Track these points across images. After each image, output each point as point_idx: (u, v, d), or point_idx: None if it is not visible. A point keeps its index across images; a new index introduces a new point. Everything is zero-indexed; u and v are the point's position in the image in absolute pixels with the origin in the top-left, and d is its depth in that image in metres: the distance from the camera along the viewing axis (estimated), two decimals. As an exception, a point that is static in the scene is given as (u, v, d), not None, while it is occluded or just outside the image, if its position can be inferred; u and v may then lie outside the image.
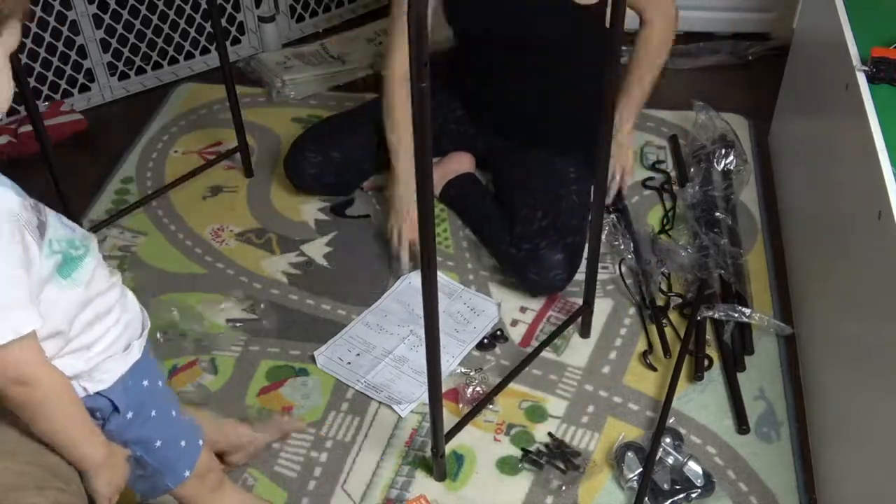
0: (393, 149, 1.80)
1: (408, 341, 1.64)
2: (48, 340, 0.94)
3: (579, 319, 1.63)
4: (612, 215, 1.85)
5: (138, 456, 1.09)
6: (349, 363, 1.60)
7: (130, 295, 1.08)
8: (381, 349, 1.63)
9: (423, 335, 1.47)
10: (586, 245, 1.73)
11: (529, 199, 1.74)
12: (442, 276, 1.75)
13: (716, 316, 1.61)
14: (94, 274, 0.99)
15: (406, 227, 1.76)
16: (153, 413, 1.08)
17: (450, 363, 1.58)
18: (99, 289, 1.00)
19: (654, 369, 1.59)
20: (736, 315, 1.60)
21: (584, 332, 1.64)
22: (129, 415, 1.05)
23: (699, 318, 1.63)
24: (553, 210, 1.71)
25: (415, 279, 1.74)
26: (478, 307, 1.72)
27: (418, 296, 1.50)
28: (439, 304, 1.58)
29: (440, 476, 1.41)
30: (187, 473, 1.14)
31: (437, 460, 1.38)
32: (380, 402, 1.53)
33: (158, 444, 1.09)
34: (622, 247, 1.79)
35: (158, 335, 1.61)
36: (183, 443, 1.13)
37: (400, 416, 1.51)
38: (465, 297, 1.74)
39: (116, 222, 1.93)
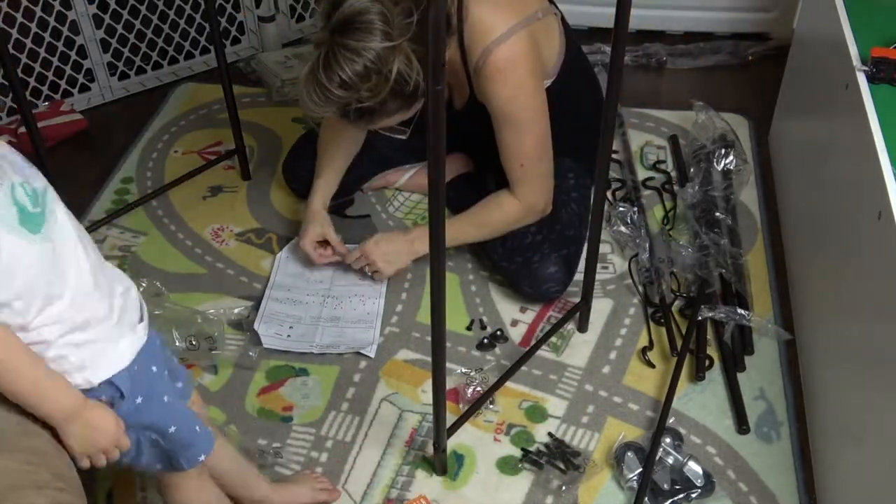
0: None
1: (328, 304, 1.71)
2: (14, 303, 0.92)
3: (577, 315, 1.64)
4: (633, 209, 1.85)
5: (154, 439, 1.08)
6: (289, 336, 1.64)
7: (123, 281, 1.07)
8: (308, 317, 1.69)
9: (337, 294, 1.73)
10: (583, 250, 1.74)
11: None
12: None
13: (716, 317, 1.61)
14: (63, 232, 0.97)
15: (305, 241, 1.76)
16: (166, 398, 1.08)
17: (376, 303, 1.71)
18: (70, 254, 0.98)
19: (653, 366, 1.59)
20: (736, 317, 1.60)
21: (582, 327, 1.65)
22: (139, 400, 1.04)
23: (700, 318, 1.63)
24: (549, 221, 1.70)
25: (285, 252, 1.83)
26: None
27: (306, 266, 1.81)
28: (327, 268, 1.79)
29: (441, 471, 1.41)
30: (202, 458, 1.13)
31: (438, 455, 1.38)
32: (345, 353, 1.62)
33: (173, 429, 1.09)
34: (637, 241, 1.79)
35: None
36: (198, 427, 1.13)
37: (370, 356, 1.61)
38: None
39: (116, 222, 1.93)
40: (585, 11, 2.48)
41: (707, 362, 1.58)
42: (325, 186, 1.79)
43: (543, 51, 1.60)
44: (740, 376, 1.56)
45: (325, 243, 1.77)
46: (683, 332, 1.64)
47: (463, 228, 1.70)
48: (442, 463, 1.40)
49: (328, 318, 1.68)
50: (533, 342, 1.64)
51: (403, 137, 1.60)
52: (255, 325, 1.65)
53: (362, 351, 1.61)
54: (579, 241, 1.73)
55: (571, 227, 1.72)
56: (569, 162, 1.80)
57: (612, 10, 1.17)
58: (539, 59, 1.57)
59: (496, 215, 1.67)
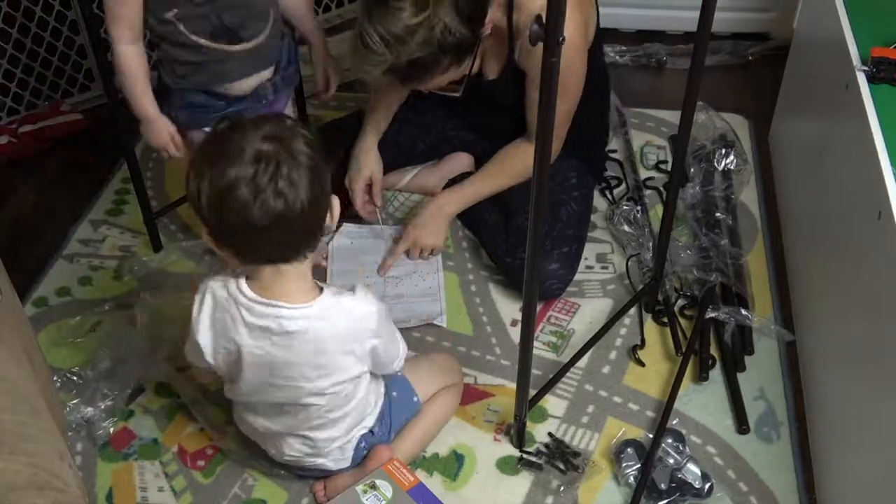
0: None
1: (390, 282, 1.76)
2: None
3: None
4: (637, 208, 1.85)
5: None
6: None
7: None
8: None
9: (396, 274, 1.77)
10: (584, 249, 1.77)
11: (526, 206, 1.73)
12: (355, 227, 1.87)
13: (719, 317, 1.61)
14: None
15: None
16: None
17: (435, 277, 1.76)
18: None
19: (642, 364, 1.59)
20: (739, 318, 1.60)
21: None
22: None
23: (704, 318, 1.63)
24: (550, 219, 1.71)
25: (336, 240, 1.85)
26: None
27: (358, 251, 1.84)
28: (379, 252, 1.82)
29: (519, 442, 1.45)
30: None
31: (517, 424, 1.43)
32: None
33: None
34: (640, 240, 1.79)
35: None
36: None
37: (443, 326, 1.66)
38: (387, 232, 1.86)
39: (116, 222, 1.93)
40: (585, 11, 2.48)
41: (710, 362, 1.58)
42: (376, 124, 1.84)
43: (589, 21, 1.66)
44: (740, 376, 1.56)
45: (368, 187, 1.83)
46: (683, 331, 1.64)
47: (485, 181, 1.78)
48: (520, 434, 1.45)
49: (393, 296, 1.72)
50: (534, 342, 1.64)
51: (457, 95, 1.64)
52: None
53: (435, 322, 1.66)
54: (580, 240, 1.74)
55: (571, 226, 1.73)
56: (574, 161, 1.80)
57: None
58: (587, 28, 1.64)
59: (517, 162, 1.74)
